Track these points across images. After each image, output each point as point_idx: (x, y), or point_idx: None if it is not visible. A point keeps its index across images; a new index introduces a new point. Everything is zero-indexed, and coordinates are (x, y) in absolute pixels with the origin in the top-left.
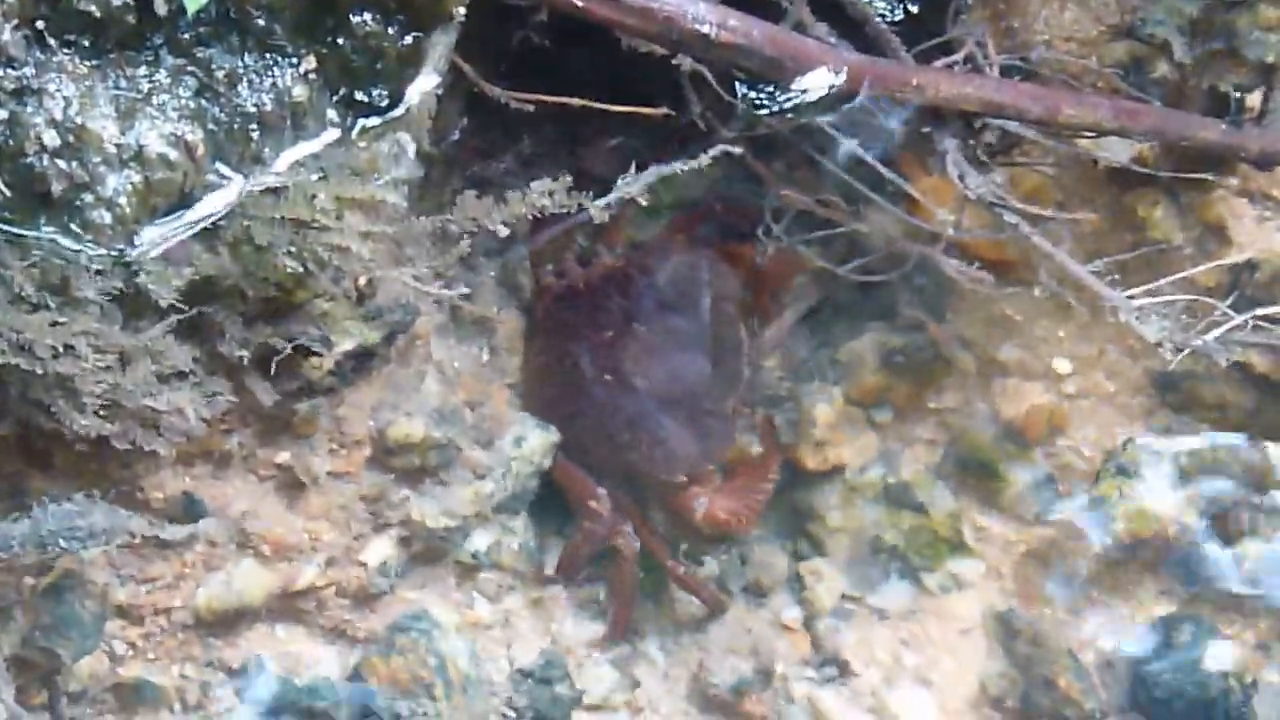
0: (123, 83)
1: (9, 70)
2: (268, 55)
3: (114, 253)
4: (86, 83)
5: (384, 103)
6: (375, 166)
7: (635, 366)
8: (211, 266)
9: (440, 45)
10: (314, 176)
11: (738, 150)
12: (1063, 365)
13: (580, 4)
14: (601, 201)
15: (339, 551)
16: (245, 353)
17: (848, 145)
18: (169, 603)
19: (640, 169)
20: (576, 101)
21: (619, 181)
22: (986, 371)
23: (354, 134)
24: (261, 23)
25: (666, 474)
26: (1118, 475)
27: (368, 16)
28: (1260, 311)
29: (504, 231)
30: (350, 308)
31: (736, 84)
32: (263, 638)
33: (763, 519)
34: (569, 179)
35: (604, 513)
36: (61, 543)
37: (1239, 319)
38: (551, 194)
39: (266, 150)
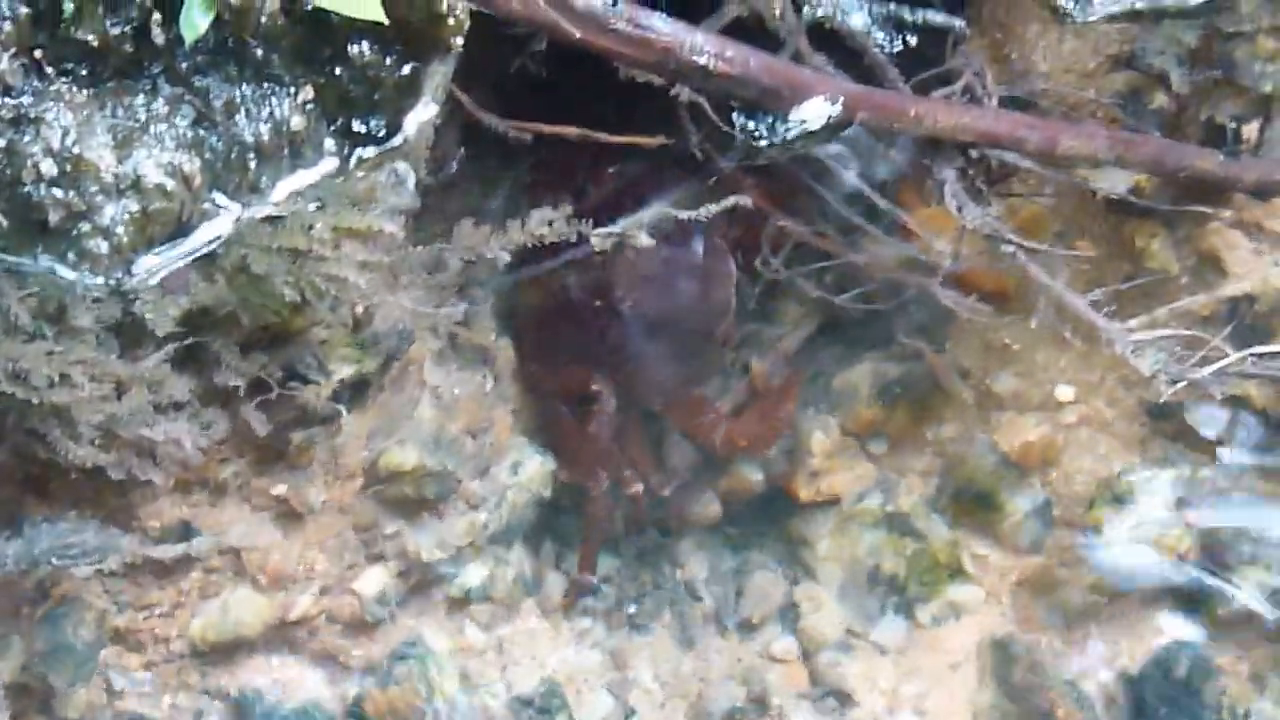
0: (120, 112)
1: (6, 99)
2: (265, 85)
3: (111, 282)
4: (84, 111)
5: (381, 133)
6: (373, 196)
7: (623, 291)
8: (209, 296)
9: (438, 75)
10: (311, 206)
11: (747, 200)
12: (1063, 393)
13: (578, 34)
14: (602, 232)
15: (333, 581)
16: (242, 382)
17: (846, 175)
18: (166, 631)
19: (640, 198)
20: (574, 131)
21: (621, 221)
22: (984, 401)
23: (351, 164)
24: (259, 52)
25: (648, 400)
26: (1113, 503)
27: (365, 46)
28: (1259, 350)
29: (504, 260)
30: (347, 336)
31: (734, 113)
32: (258, 666)
33: (759, 547)
34: (569, 208)
35: (605, 393)
36: (54, 561)
37: (1235, 356)
38: (551, 223)
39: (264, 179)
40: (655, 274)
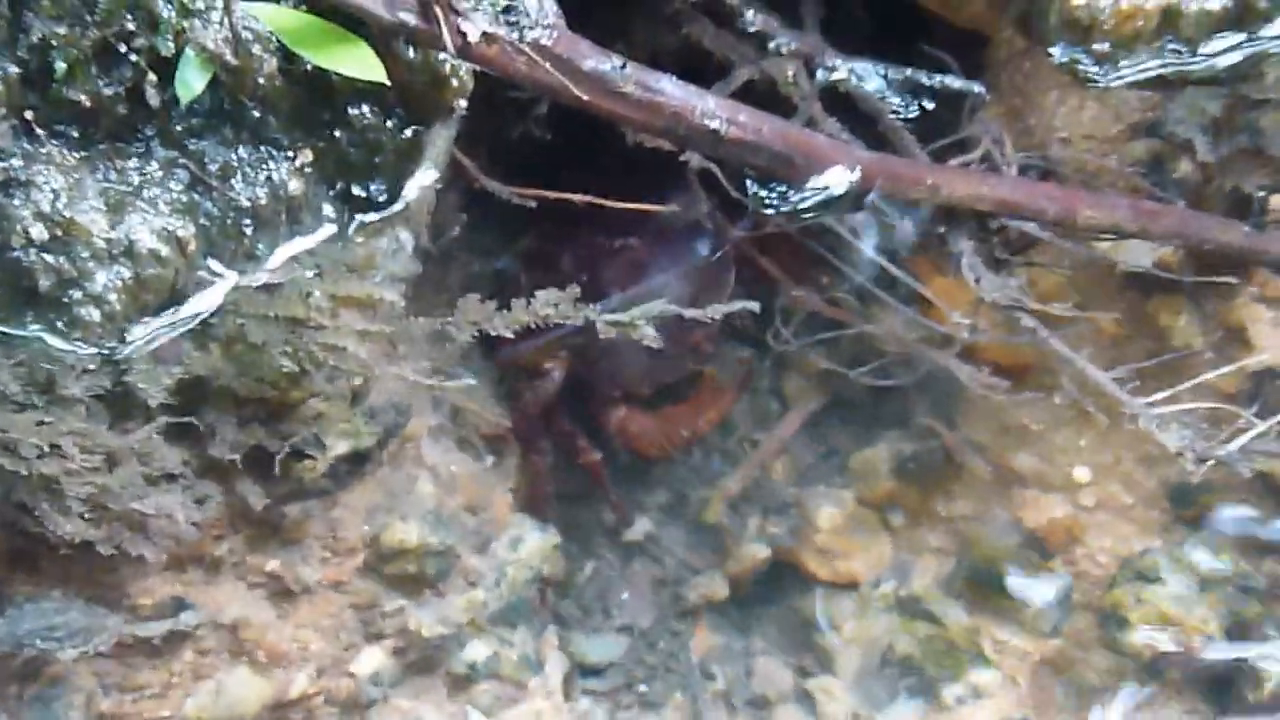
0: (113, 175)
1: None
2: (263, 148)
3: (103, 351)
4: (75, 175)
5: (382, 198)
6: (372, 263)
7: (614, 273)
8: (203, 366)
9: (440, 139)
10: (309, 273)
11: (754, 305)
12: (1081, 474)
13: (585, 98)
14: (609, 318)
15: (330, 660)
16: (236, 455)
17: (860, 245)
18: (157, 712)
19: (648, 269)
20: (580, 198)
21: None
22: (1002, 480)
23: (351, 230)
24: (256, 115)
25: (607, 387)
26: (1135, 582)
27: (366, 109)
28: None
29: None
30: (345, 408)
31: (746, 180)
32: None
33: (769, 627)
34: (576, 290)
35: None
36: (39, 643)
37: (1263, 426)
38: (556, 305)
39: (261, 246)
40: (651, 262)
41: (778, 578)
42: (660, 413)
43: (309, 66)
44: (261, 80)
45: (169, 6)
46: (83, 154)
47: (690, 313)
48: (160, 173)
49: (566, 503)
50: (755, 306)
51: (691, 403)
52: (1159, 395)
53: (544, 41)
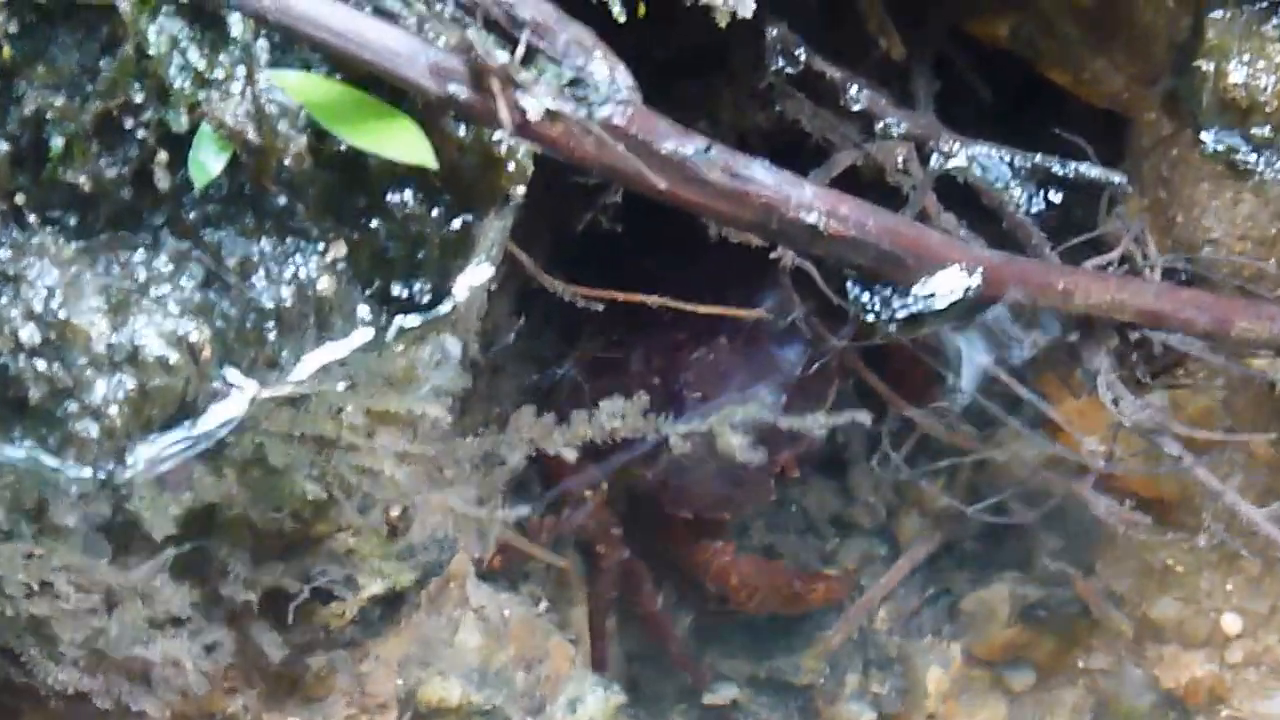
0: (115, 270)
1: None
2: (288, 240)
3: (101, 473)
4: (72, 269)
5: (425, 299)
6: (413, 375)
7: (693, 376)
8: (215, 492)
9: (494, 231)
10: (341, 385)
11: (865, 415)
12: (1231, 624)
13: (663, 185)
14: (683, 429)
15: None
16: (253, 596)
17: (980, 359)
18: None
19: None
20: (655, 300)
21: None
22: (1141, 633)
23: (389, 335)
24: (282, 201)
25: (673, 506)
26: None
27: (408, 195)
28: None
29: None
30: (380, 543)
31: (847, 283)
32: None
33: None
34: (645, 398)
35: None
36: None
37: None
38: (624, 417)
39: (285, 353)
40: (736, 371)
41: None
42: (766, 564)
43: (343, 147)
44: (288, 162)
45: (183, 75)
46: (81, 245)
47: (789, 421)
48: (170, 268)
49: (640, 658)
50: (866, 418)
51: (815, 574)
52: None
53: (616, 120)
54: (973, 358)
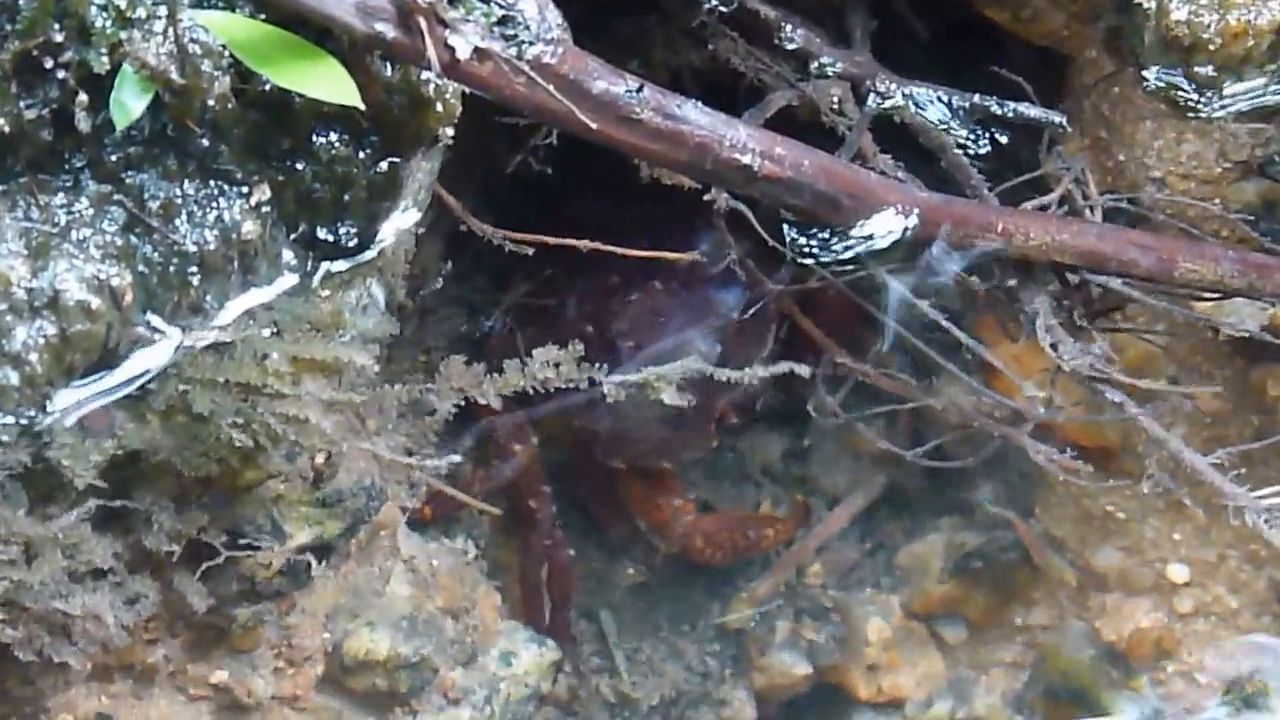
0: (35, 213)
1: None
2: (212, 183)
3: (21, 420)
4: None
5: (352, 242)
6: (340, 320)
7: (628, 322)
8: (139, 439)
9: (421, 173)
10: (266, 331)
11: (804, 368)
12: (1177, 573)
13: (594, 126)
14: (618, 380)
15: None
16: (176, 546)
17: (917, 304)
18: None
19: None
20: (586, 244)
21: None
22: (1083, 581)
23: (315, 280)
24: (205, 143)
25: (610, 455)
26: (1242, 708)
27: (334, 137)
28: None
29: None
30: (306, 491)
31: (783, 225)
32: None
33: None
34: (579, 348)
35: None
36: None
37: None
38: (558, 365)
39: (209, 298)
40: (672, 316)
41: (818, 700)
42: (733, 518)
43: (268, 87)
44: (211, 102)
45: (103, 15)
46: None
47: (725, 373)
48: (91, 211)
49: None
50: (805, 370)
51: (763, 518)
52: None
53: (546, 59)
54: (909, 301)
